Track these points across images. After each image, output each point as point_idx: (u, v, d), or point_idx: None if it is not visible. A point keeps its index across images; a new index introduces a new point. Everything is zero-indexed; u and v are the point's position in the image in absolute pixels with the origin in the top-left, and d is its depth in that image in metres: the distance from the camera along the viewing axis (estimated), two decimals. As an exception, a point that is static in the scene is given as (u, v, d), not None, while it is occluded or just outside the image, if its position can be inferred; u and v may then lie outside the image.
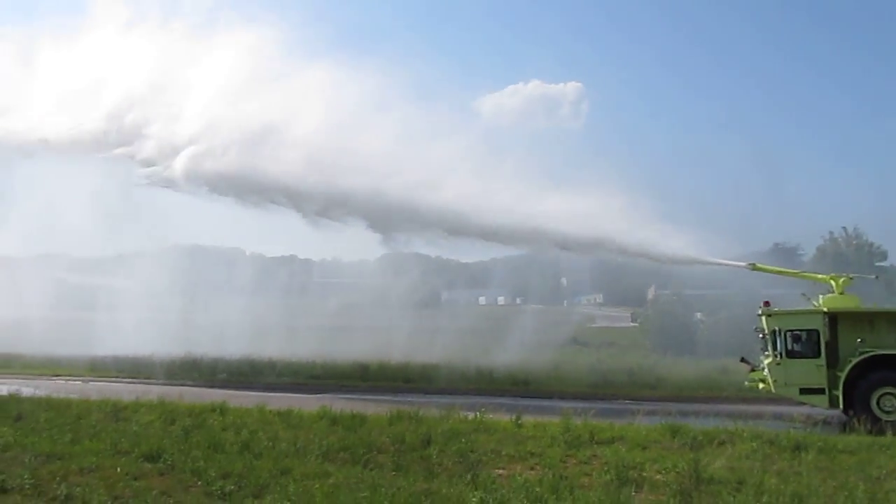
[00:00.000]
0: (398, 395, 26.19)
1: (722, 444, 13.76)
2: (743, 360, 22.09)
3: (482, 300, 78.85)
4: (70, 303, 46.52)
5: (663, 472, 11.44)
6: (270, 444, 13.03)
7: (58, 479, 10.18)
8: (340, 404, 17.98)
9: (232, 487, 10.00)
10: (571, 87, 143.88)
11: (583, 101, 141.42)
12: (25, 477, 10.05)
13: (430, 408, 17.47)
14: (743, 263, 24.13)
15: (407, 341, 35.46)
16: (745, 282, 28.37)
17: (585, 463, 12.49)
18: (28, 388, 22.88)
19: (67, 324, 42.08)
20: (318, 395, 24.72)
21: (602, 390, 27.38)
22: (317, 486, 10.07)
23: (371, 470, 11.39)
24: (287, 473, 10.86)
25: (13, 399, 18.41)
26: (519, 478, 10.91)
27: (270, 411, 17.06)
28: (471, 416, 16.40)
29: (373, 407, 18.64)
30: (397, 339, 36.27)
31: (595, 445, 13.79)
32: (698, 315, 45.78)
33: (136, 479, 10.49)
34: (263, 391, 26.04)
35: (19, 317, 43.47)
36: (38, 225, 44.20)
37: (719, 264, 25.59)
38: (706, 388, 27.14)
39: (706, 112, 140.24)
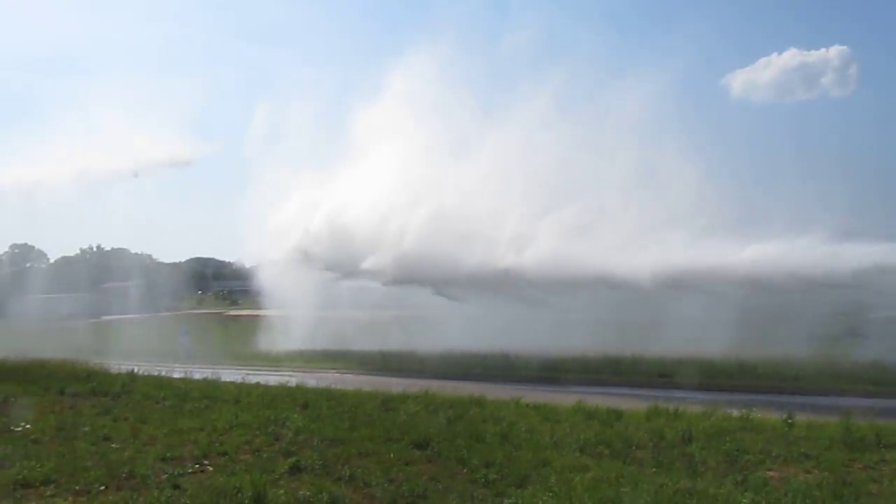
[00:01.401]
0: (653, 390, 25.47)
1: None
2: None
3: (740, 289, 73.43)
4: (326, 301, 50.39)
5: (974, 481, 9.98)
6: (528, 435, 13.30)
7: (341, 461, 11.19)
8: (594, 399, 17.92)
9: (495, 476, 10.34)
10: (835, 52, 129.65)
11: (850, 66, 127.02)
12: (315, 458, 11.20)
13: (688, 404, 16.85)
14: None
15: (660, 333, 34.31)
16: None
17: (872, 468, 11.25)
18: (310, 379, 25.54)
19: (332, 322, 46.10)
20: (569, 389, 24.87)
21: (887, 388, 24.53)
22: (577, 478, 10.11)
23: (630, 465, 11.20)
24: (547, 465, 11.01)
25: (299, 389, 20.57)
26: (794, 480, 10.12)
27: (527, 404, 17.40)
28: (735, 413, 15.52)
29: (627, 402, 18.29)
30: (649, 332, 35.24)
31: (882, 449, 12.38)
32: None
33: (407, 464, 11.24)
34: (516, 384, 26.63)
35: (288, 315, 48.49)
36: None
37: None
38: None
39: None
